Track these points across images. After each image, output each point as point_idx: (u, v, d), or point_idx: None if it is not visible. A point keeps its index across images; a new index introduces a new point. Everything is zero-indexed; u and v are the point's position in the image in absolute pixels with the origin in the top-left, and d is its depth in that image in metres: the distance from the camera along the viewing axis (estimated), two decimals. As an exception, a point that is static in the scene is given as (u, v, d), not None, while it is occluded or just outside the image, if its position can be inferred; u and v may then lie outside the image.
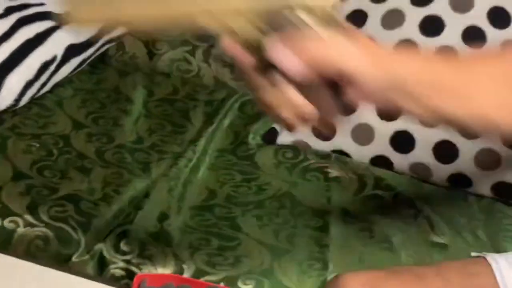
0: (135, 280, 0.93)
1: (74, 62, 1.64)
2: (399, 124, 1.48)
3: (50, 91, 1.63)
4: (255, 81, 0.74)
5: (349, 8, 1.58)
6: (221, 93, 1.73)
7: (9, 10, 1.58)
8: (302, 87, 0.73)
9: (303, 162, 1.51)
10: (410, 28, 1.52)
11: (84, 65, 1.70)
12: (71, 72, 1.66)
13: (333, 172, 1.48)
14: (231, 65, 1.75)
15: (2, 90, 1.51)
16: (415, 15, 1.53)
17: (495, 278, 1.03)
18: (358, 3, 1.58)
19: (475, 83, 0.78)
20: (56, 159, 1.45)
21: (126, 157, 1.47)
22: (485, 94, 0.78)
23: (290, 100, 0.74)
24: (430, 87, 0.76)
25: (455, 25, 1.51)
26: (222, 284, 1.18)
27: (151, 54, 1.80)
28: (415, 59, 0.79)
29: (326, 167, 1.49)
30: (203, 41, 1.77)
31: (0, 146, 1.45)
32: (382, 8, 1.56)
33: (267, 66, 0.72)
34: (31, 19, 1.58)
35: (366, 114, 1.49)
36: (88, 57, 1.68)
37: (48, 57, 1.57)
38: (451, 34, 1.50)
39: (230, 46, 0.73)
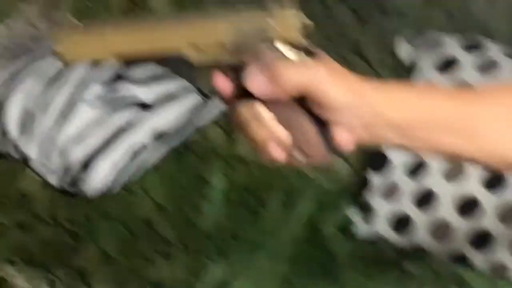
0: None
1: (160, 148, 1.67)
2: (479, 220, 1.47)
3: (136, 176, 1.66)
4: (237, 111, 0.74)
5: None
6: (296, 178, 1.72)
7: (101, 98, 1.62)
8: (280, 113, 0.74)
9: (380, 256, 1.52)
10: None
11: (168, 152, 1.72)
12: (157, 158, 1.68)
13: (410, 269, 1.48)
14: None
15: (94, 175, 1.55)
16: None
17: None
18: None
19: (483, 119, 0.75)
20: (142, 243, 1.49)
21: (207, 243, 1.50)
22: (495, 130, 0.76)
23: (268, 128, 0.73)
24: (421, 123, 0.73)
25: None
26: None
27: (230, 141, 1.82)
28: (403, 91, 0.75)
29: (401, 263, 1.49)
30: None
31: (90, 229, 1.50)
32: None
33: (245, 95, 0.74)
34: (122, 107, 1.63)
35: (444, 206, 1.50)
36: (174, 144, 1.71)
37: (136, 144, 1.60)
38: None
39: (215, 76, 0.75)
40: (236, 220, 1.60)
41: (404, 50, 1.69)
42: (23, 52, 1.74)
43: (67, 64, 0.78)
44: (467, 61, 1.60)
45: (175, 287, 1.38)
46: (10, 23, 1.81)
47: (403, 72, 1.67)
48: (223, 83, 0.74)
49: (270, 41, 0.77)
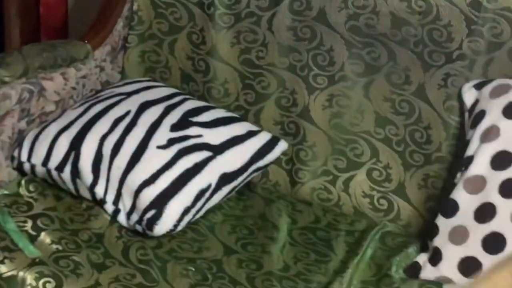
0: None
1: (225, 189, 1.69)
2: None
3: (203, 216, 1.68)
4: None
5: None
6: (362, 223, 1.76)
7: (171, 141, 1.66)
8: None
9: None
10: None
11: (232, 192, 1.74)
12: (222, 198, 1.71)
13: None
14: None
15: (163, 215, 1.56)
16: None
17: None
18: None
19: None
20: (211, 284, 1.48)
21: (275, 285, 1.50)
22: None
23: None
24: None
25: None
26: None
27: (293, 182, 1.86)
28: None
29: None
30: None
31: (161, 269, 1.49)
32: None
33: None
34: (190, 150, 1.65)
35: None
36: (238, 185, 1.73)
37: (204, 185, 1.62)
38: None
39: None
40: (305, 262, 1.59)
41: (470, 96, 1.69)
42: (94, 98, 1.81)
43: None
44: None
45: None
46: (80, 66, 1.86)
47: (469, 118, 1.67)
48: None
49: None
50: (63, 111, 1.79)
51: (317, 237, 1.70)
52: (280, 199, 1.82)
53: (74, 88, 1.83)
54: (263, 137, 1.79)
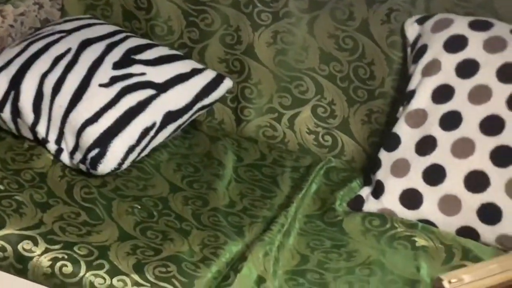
0: None
1: (170, 128, 1.68)
2: (488, 195, 1.49)
3: (148, 155, 1.67)
4: None
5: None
6: (306, 159, 1.77)
7: (114, 79, 1.64)
8: None
9: (390, 230, 1.52)
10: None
11: (177, 131, 1.74)
12: (167, 137, 1.70)
13: (420, 241, 1.49)
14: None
15: (107, 154, 1.56)
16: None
17: None
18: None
19: None
20: (157, 220, 1.48)
21: (221, 220, 1.51)
22: None
23: None
24: None
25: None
26: None
27: (238, 120, 1.86)
28: None
29: (413, 236, 1.50)
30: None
31: (106, 207, 1.50)
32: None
33: None
34: (134, 88, 1.64)
35: (453, 181, 1.52)
36: (183, 123, 1.73)
37: (148, 123, 1.62)
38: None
39: None
40: (250, 198, 1.61)
41: (413, 31, 1.70)
42: (33, 36, 1.77)
43: None
44: (475, 40, 1.60)
45: (193, 263, 1.37)
46: (17, 3, 1.83)
47: (411, 53, 1.68)
48: None
49: None
50: (1, 49, 1.76)
51: (262, 173, 1.71)
52: (226, 137, 1.82)
53: (12, 26, 1.81)
54: (207, 75, 1.78)
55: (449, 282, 0.89)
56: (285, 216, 1.53)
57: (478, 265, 0.91)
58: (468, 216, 1.51)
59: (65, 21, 1.85)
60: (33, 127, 1.63)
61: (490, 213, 1.50)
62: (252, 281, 1.35)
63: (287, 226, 1.51)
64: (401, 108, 1.64)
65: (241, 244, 1.45)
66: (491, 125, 1.53)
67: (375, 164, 1.63)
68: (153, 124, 1.64)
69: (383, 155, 1.61)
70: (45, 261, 1.36)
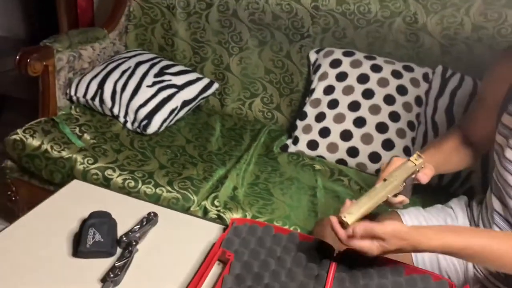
0: (230, 221, 0.96)
1: (185, 109, 1.66)
2: (352, 142, 1.51)
3: (174, 123, 1.65)
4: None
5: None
6: (258, 125, 1.76)
7: (154, 83, 1.62)
8: None
9: (302, 161, 1.53)
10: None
11: (189, 111, 1.72)
12: (184, 114, 1.68)
13: (317, 167, 1.50)
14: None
15: (151, 123, 1.54)
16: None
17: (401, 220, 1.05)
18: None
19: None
20: (179, 158, 1.47)
21: (213, 158, 1.51)
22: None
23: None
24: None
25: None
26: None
27: (222, 105, 1.83)
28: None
29: (314, 164, 1.52)
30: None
31: (151, 151, 1.48)
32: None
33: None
34: (165, 87, 1.62)
35: (334, 135, 1.52)
36: (192, 107, 1.70)
37: (173, 107, 1.60)
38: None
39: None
40: (229, 146, 1.60)
41: (313, 57, 1.69)
42: (110, 60, 1.73)
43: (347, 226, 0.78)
44: (345, 62, 1.60)
45: (199, 180, 1.37)
46: (101, 42, 1.79)
47: (313, 68, 1.67)
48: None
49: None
50: (93, 67, 1.73)
51: (235, 133, 1.70)
52: (216, 114, 1.80)
53: (98, 55, 1.77)
54: (205, 81, 1.75)
55: (344, 216, 0.79)
56: (246, 155, 1.53)
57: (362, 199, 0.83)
58: (341, 153, 1.52)
59: (127, 52, 1.82)
60: (111, 109, 1.61)
61: (352, 152, 1.51)
62: (230, 189, 1.36)
63: (248, 160, 1.51)
64: (307, 98, 1.63)
65: (225, 170, 1.45)
66: (354, 106, 1.53)
67: (294, 127, 1.62)
68: (176, 107, 1.61)
69: (298, 122, 1.61)
70: (119, 180, 1.36)
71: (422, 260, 1.00)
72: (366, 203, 0.82)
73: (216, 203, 1.29)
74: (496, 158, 0.94)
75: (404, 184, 0.89)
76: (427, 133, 1.48)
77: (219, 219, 1.26)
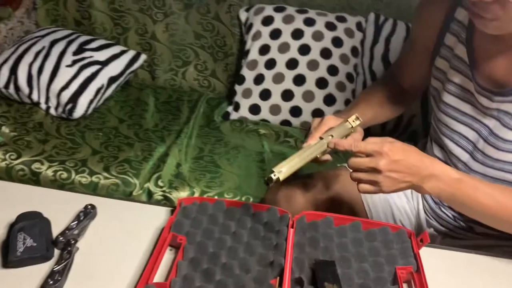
0: (178, 202, 0.90)
1: (113, 86, 1.55)
2: (294, 102, 1.48)
3: (102, 103, 1.54)
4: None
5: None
6: (195, 95, 1.68)
7: (74, 62, 1.49)
8: None
9: (245, 127, 1.48)
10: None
11: (118, 88, 1.61)
12: (112, 92, 1.57)
13: (262, 131, 1.47)
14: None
15: (77, 106, 1.43)
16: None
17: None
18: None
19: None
20: (113, 140, 1.38)
21: (151, 135, 1.42)
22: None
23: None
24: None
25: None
26: (216, 197, 1.18)
27: (153, 77, 1.73)
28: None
29: (258, 129, 1.48)
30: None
31: (81, 136, 1.38)
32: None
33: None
34: (87, 65, 1.50)
35: (275, 97, 1.48)
36: (120, 83, 1.60)
37: (99, 85, 1.49)
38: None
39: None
40: (166, 121, 1.52)
41: (243, 16, 1.61)
42: (20, 41, 1.57)
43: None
44: (277, 18, 1.54)
45: (138, 161, 1.29)
46: (6, 22, 1.61)
47: (245, 28, 1.60)
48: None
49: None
50: (1, 52, 1.55)
51: (171, 106, 1.61)
52: (147, 88, 1.70)
53: (6, 36, 1.59)
54: (131, 53, 1.64)
55: (272, 172, 0.76)
56: (186, 128, 1.46)
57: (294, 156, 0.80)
58: (285, 114, 1.49)
59: (39, 30, 1.65)
60: (29, 96, 1.46)
61: (296, 111, 1.48)
62: (174, 166, 1.29)
63: (189, 133, 1.44)
64: (243, 60, 1.57)
65: (165, 147, 1.38)
66: (291, 64, 1.49)
67: (233, 93, 1.57)
68: (102, 85, 1.50)
69: (237, 87, 1.55)
70: (49, 173, 1.25)
71: (376, 212, 1.00)
72: (299, 162, 0.80)
73: (160, 183, 1.23)
74: (433, 103, 0.92)
75: None
76: (366, 83, 1.48)
77: (166, 200, 1.20)
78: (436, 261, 0.81)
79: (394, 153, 0.71)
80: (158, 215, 0.91)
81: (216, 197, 1.16)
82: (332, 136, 0.85)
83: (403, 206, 0.99)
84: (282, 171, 0.77)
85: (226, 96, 1.69)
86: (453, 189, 0.72)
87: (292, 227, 0.85)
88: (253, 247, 0.82)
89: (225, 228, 0.86)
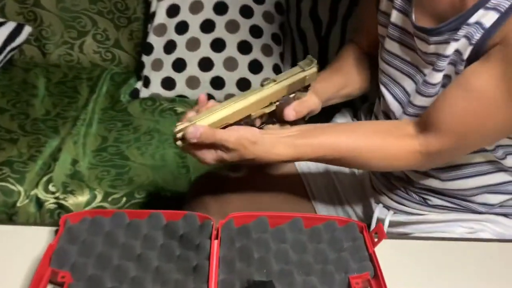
0: (61, 221, 0.69)
1: None
2: (214, 72, 1.29)
3: None
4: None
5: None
6: (97, 71, 1.43)
7: None
8: None
9: (159, 106, 1.28)
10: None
11: None
12: None
13: (179, 109, 1.28)
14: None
15: None
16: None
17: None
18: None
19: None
20: None
21: (41, 126, 1.18)
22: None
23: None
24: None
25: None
26: (124, 199, 0.99)
27: (43, 54, 1.45)
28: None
29: (174, 107, 1.29)
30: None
31: None
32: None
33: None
34: None
35: (191, 67, 1.29)
36: (0, 62, 1.30)
37: None
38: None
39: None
40: (61, 106, 1.27)
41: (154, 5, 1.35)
42: None
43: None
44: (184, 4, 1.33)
45: (22, 162, 1.06)
46: None
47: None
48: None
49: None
50: None
51: (67, 86, 1.36)
52: (36, 67, 1.42)
53: None
54: (10, 26, 1.34)
55: (177, 127, 0.66)
56: (85, 113, 1.23)
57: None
58: (205, 87, 1.30)
59: None
60: None
61: (217, 83, 1.29)
62: (69, 164, 1.07)
63: (88, 120, 1.21)
64: (149, 25, 1.34)
65: (58, 140, 1.14)
66: (207, 26, 1.29)
67: (141, 66, 1.34)
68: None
69: (145, 58, 1.33)
70: None
71: (317, 189, 0.89)
72: (221, 111, 0.66)
73: (51, 188, 1.00)
74: (379, 54, 0.82)
75: (287, 96, 0.70)
76: (295, 44, 1.35)
77: (61, 209, 0.99)
78: (395, 257, 0.68)
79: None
80: (39, 240, 0.69)
81: (124, 199, 0.96)
82: (275, 81, 0.69)
83: (348, 181, 0.90)
84: (192, 120, 0.65)
85: (135, 70, 1.45)
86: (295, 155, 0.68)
87: (217, 238, 0.68)
88: (166, 274, 0.64)
89: (127, 251, 0.66)
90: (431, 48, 0.69)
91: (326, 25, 1.33)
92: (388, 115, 0.78)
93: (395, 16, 0.75)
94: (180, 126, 0.65)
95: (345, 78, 0.85)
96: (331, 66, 0.86)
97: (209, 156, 0.66)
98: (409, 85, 0.74)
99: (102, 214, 0.71)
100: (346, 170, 0.90)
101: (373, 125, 0.75)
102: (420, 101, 0.71)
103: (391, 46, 0.76)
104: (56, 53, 1.46)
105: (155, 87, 1.31)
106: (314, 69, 0.71)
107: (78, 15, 1.43)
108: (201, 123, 0.64)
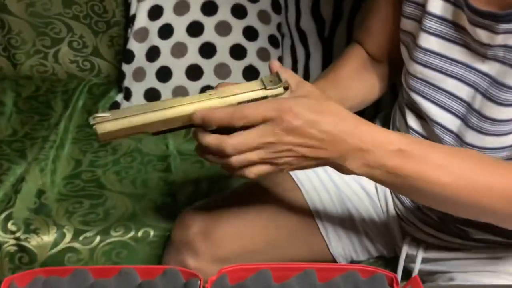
0: (3, 285, 0.58)
1: None
2: (204, 81, 1.17)
3: None
4: None
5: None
6: (74, 82, 1.31)
7: None
8: None
9: None
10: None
11: None
12: None
13: None
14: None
15: None
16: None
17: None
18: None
19: None
20: None
21: (5, 149, 1.05)
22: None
23: None
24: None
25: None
26: (98, 237, 0.85)
27: (14, 65, 1.33)
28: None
29: None
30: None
31: None
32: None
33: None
34: None
35: (178, 76, 1.17)
36: None
37: None
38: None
39: None
40: (30, 124, 1.14)
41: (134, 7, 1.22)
42: None
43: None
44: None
45: None
46: None
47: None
48: None
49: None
50: None
51: (39, 102, 1.23)
52: (5, 80, 1.29)
53: None
54: (-27, 34, 1.22)
55: (94, 118, 0.56)
56: (55, 133, 1.09)
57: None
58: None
59: None
60: None
61: (208, 92, 1.18)
62: (33, 196, 0.93)
63: (59, 141, 1.08)
64: (129, 30, 1.21)
65: (25, 166, 1.00)
66: (195, 29, 1.17)
67: (122, 75, 1.21)
68: None
69: (125, 67, 1.20)
70: None
71: (331, 223, 0.77)
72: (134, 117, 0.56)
73: (11, 227, 0.86)
74: (405, 55, 0.70)
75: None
76: (295, 47, 1.24)
77: (23, 252, 0.85)
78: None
79: (299, 116, 0.51)
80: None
81: (98, 237, 0.84)
82: (220, 97, 0.55)
83: (366, 210, 0.78)
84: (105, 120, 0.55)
85: (116, 80, 1.32)
86: (391, 166, 0.53)
87: (205, 302, 0.56)
88: None
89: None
90: (499, 38, 0.57)
91: (329, 24, 1.22)
92: (434, 131, 0.65)
93: (432, 4, 0.63)
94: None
95: (342, 92, 0.73)
96: (326, 77, 0.75)
97: (253, 156, 0.52)
98: (459, 87, 0.62)
99: (59, 273, 0.58)
100: (363, 195, 0.77)
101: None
102: (497, 111, 0.58)
103: (429, 42, 0.64)
104: (28, 63, 1.33)
105: (138, 100, 1.18)
106: (279, 90, 0.57)
107: (51, 21, 1.30)
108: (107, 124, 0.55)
